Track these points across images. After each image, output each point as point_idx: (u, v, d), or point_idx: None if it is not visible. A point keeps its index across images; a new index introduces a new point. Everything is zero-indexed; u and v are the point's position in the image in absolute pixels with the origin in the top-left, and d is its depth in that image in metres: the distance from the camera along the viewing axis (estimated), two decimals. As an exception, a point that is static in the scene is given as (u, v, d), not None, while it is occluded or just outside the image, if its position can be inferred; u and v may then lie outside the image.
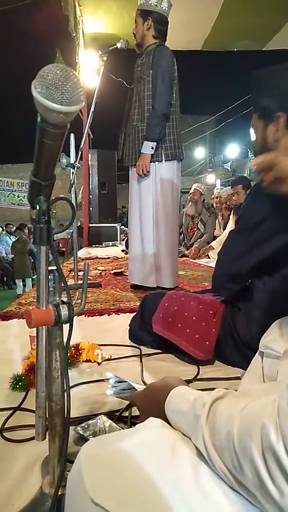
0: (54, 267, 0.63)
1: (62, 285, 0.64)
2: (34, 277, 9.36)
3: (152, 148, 2.35)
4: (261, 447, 0.35)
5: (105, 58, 2.63)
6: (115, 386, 0.92)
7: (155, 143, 2.35)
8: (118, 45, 2.57)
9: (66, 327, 0.64)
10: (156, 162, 2.41)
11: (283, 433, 0.34)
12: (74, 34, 4.70)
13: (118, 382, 0.93)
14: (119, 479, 0.43)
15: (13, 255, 8.57)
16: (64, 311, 0.61)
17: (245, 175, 12.23)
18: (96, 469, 0.45)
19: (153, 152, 2.36)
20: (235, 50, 5.65)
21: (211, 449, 0.42)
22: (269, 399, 0.38)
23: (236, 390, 0.55)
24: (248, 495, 0.39)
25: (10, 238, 10.23)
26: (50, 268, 0.62)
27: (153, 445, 0.47)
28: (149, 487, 0.41)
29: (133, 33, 2.54)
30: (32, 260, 9.51)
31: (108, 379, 0.96)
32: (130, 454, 0.45)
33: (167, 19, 2.47)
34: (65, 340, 0.65)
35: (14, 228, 9.77)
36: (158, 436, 0.49)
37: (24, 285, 7.98)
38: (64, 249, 8.76)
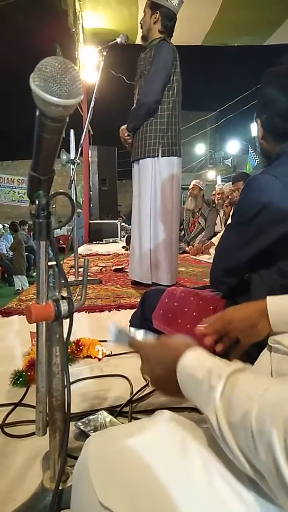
0: (54, 263, 0.62)
1: (62, 281, 0.64)
2: (34, 274, 9.39)
3: (128, 135, 2.52)
4: (283, 433, 0.34)
5: (104, 53, 2.61)
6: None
7: (131, 133, 2.50)
8: (118, 40, 2.55)
9: (66, 322, 0.64)
10: (155, 158, 2.40)
11: None
12: (74, 30, 4.67)
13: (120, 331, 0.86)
14: (129, 482, 0.42)
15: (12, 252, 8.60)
16: (64, 306, 0.60)
17: (246, 171, 12.21)
18: (104, 469, 0.44)
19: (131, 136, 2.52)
20: (236, 45, 5.61)
21: (224, 425, 0.41)
22: None
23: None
24: (259, 479, 0.38)
25: (12, 236, 10.24)
26: (50, 263, 0.62)
27: (162, 443, 0.46)
28: (160, 492, 0.40)
29: (140, 24, 2.52)
30: (33, 257, 9.53)
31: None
32: (139, 454, 0.44)
33: (176, 15, 2.44)
34: (65, 335, 0.65)
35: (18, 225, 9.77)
36: (167, 432, 0.48)
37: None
38: (64, 245, 8.76)
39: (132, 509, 0.39)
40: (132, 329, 0.81)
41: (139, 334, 0.78)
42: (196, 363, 0.53)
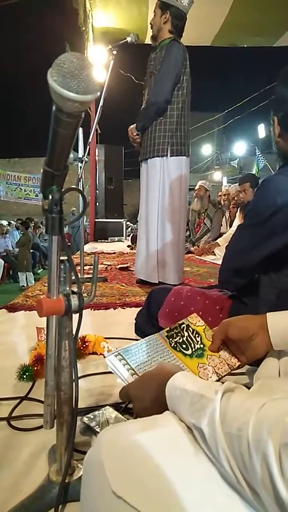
0: (65, 257, 0.63)
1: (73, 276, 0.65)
2: (40, 271, 9.43)
3: (137, 134, 2.51)
4: (278, 443, 0.35)
5: (114, 52, 2.62)
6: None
7: (140, 132, 2.51)
8: (128, 39, 2.56)
9: (75, 318, 0.64)
10: (164, 157, 2.41)
11: None
12: (84, 28, 4.68)
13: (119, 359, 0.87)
14: (142, 474, 0.42)
15: (18, 249, 8.64)
16: (74, 301, 0.61)
17: (253, 172, 12.17)
18: (117, 458, 0.44)
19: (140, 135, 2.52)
20: (245, 46, 5.60)
21: (220, 435, 0.42)
22: None
23: (247, 386, 0.55)
24: (249, 491, 0.38)
25: (19, 233, 10.32)
26: (61, 258, 0.62)
27: (176, 439, 0.47)
28: (172, 484, 0.40)
29: (151, 24, 2.52)
30: (38, 254, 9.58)
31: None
32: (153, 447, 0.44)
33: (186, 15, 2.45)
34: (74, 330, 0.66)
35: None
36: (179, 430, 0.49)
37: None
38: (69, 244, 8.79)
39: (144, 499, 0.40)
40: (116, 363, 0.83)
41: (122, 370, 0.81)
42: (185, 380, 0.56)
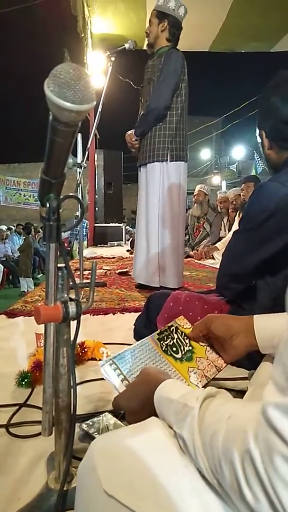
0: (63, 264, 0.63)
1: (70, 282, 0.65)
2: (40, 275, 9.42)
3: (136, 140, 2.54)
4: (240, 451, 0.36)
5: (113, 59, 2.64)
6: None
7: (139, 138, 2.52)
8: (126, 45, 2.58)
9: (73, 324, 0.64)
10: (163, 162, 2.43)
11: (259, 440, 0.35)
12: (83, 35, 4.71)
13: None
14: (133, 473, 0.43)
15: (19, 254, 8.66)
16: (72, 308, 0.61)
17: (254, 174, 12.25)
18: (109, 461, 0.46)
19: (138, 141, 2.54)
20: (243, 51, 5.64)
21: (197, 441, 0.43)
22: (253, 411, 0.39)
23: (243, 392, 0.56)
24: (225, 496, 0.40)
25: (19, 238, 10.34)
26: (58, 265, 0.62)
27: (165, 442, 0.48)
28: (163, 483, 0.41)
29: (146, 32, 2.56)
30: (38, 259, 9.58)
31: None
32: (143, 449, 0.46)
33: (181, 25, 2.50)
34: (72, 337, 0.66)
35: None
36: (169, 433, 0.50)
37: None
38: (68, 248, 8.80)
39: (135, 497, 0.41)
40: (109, 373, 0.84)
41: (115, 379, 0.82)
42: (171, 389, 0.58)
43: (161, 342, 0.94)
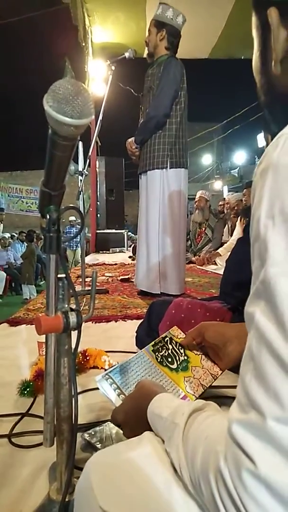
0: (63, 275, 0.64)
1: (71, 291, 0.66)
2: (42, 282, 9.44)
3: (136, 147, 2.56)
4: (214, 471, 0.37)
5: (113, 67, 2.68)
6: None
7: (139, 146, 2.54)
8: (126, 54, 2.62)
9: (74, 333, 0.65)
10: (163, 170, 2.44)
11: (227, 459, 0.36)
12: (84, 44, 4.78)
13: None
14: (128, 489, 0.44)
15: (21, 261, 8.69)
16: (72, 318, 0.61)
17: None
18: (105, 477, 0.46)
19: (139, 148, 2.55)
20: (242, 58, 5.68)
21: (182, 459, 0.44)
22: (225, 428, 0.39)
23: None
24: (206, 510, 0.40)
25: (22, 245, 10.37)
26: (59, 275, 0.63)
27: (157, 459, 0.48)
28: (157, 499, 0.42)
29: (146, 42, 2.59)
30: (40, 266, 9.60)
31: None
32: (138, 464, 0.46)
33: (180, 33, 2.53)
34: (73, 346, 0.66)
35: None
36: (161, 450, 0.50)
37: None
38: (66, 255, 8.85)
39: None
40: (105, 387, 0.84)
41: (111, 393, 0.83)
42: (161, 404, 0.58)
43: (156, 353, 0.94)
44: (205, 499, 0.39)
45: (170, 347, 0.96)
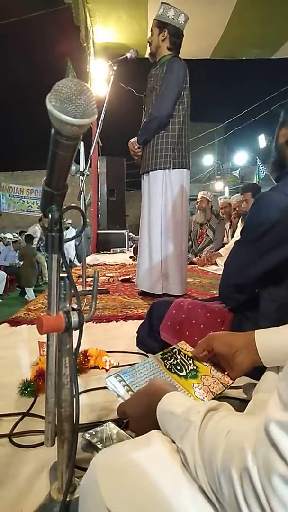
0: (65, 274, 0.64)
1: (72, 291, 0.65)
2: (41, 283, 9.41)
3: (139, 148, 2.55)
4: (239, 469, 0.36)
5: (115, 68, 2.68)
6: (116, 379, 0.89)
7: (141, 146, 2.53)
8: (128, 55, 2.62)
9: (75, 333, 0.65)
10: (166, 170, 2.44)
11: (257, 457, 0.35)
12: (85, 44, 4.77)
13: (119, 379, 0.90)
14: (135, 489, 0.43)
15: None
16: (74, 317, 0.61)
17: (254, 182, 12.22)
18: (111, 477, 0.46)
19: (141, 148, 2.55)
20: (244, 58, 5.68)
21: (198, 457, 0.43)
22: (252, 426, 0.39)
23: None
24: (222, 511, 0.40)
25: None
26: (61, 275, 0.63)
27: (167, 457, 0.48)
28: (165, 499, 0.41)
29: (148, 42, 2.59)
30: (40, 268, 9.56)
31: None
32: (145, 465, 0.46)
33: (183, 33, 2.52)
34: (74, 346, 0.66)
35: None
36: (169, 450, 0.50)
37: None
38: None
39: None
40: (114, 383, 0.85)
41: (120, 388, 0.84)
42: (173, 402, 0.58)
43: (165, 361, 0.95)
44: (225, 497, 0.38)
45: (179, 357, 0.96)
